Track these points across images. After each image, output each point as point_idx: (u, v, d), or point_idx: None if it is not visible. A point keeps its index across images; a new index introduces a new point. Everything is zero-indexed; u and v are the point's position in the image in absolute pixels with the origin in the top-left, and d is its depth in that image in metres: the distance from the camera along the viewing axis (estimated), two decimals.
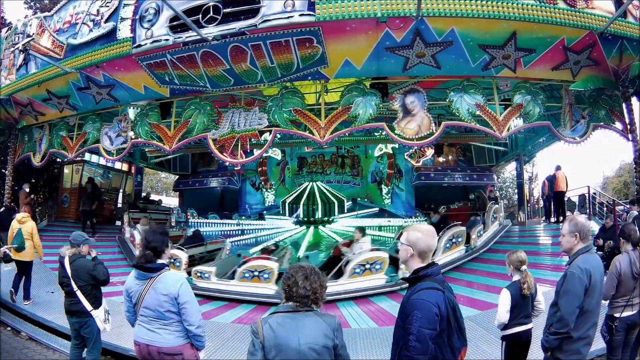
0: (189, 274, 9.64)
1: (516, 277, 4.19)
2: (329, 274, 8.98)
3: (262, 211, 20.30)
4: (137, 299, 3.43)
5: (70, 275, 5.09)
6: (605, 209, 12.97)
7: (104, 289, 8.93)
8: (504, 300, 4.09)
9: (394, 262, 9.35)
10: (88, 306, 5.07)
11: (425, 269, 2.56)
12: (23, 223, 8.43)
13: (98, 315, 5.14)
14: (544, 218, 16.05)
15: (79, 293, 5.06)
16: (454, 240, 10.42)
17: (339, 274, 9.16)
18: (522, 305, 4.09)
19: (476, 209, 13.45)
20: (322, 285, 2.55)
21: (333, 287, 8.61)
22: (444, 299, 2.42)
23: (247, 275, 8.95)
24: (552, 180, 13.58)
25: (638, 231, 4.56)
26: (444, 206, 15.71)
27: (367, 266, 8.96)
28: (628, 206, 10.71)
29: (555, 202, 13.69)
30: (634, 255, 4.33)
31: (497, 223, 12.94)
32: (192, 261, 11.26)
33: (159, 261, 3.52)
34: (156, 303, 3.34)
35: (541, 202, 17.23)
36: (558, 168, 13.57)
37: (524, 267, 4.17)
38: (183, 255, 10.18)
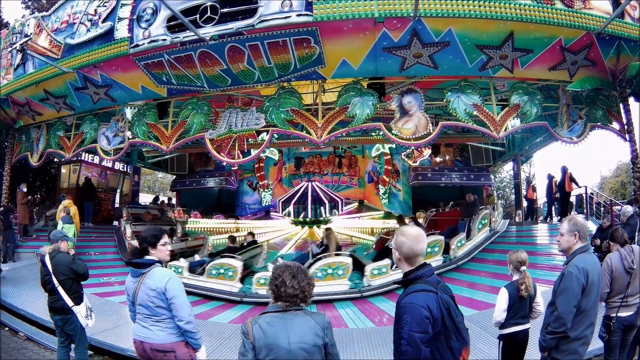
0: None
1: (516, 277, 4.19)
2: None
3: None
4: (133, 297, 3.45)
5: (51, 271, 5.24)
6: (602, 209, 13.02)
7: (102, 289, 9.04)
8: (502, 299, 4.09)
9: (361, 268, 9.41)
10: (69, 302, 5.18)
11: (415, 272, 2.52)
12: (70, 206, 11.33)
13: (79, 311, 5.24)
14: (542, 218, 16.12)
15: (60, 289, 5.19)
16: (428, 249, 9.73)
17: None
18: (520, 306, 4.08)
19: (465, 214, 12.61)
20: (309, 283, 2.55)
21: None
22: (435, 300, 2.38)
23: (213, 272, 9.33)
24: (561, 180, 13.56)
25: (633, 230, 4.60)
26: (433, 209, 15.59)
27: (330, 271, 8.93)
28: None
29: (562, 202, 13.74)
30: (625, 252, 4.36)
31: (486, 230, 11.95)
32: (173, 256, 11.31)
33: (149, 257, 3.50)
34: (147, 299, 3.35)
35: (539, 202, 17.34)
36: (565, 169, 13.54)
37: (523, 268, 4.16)
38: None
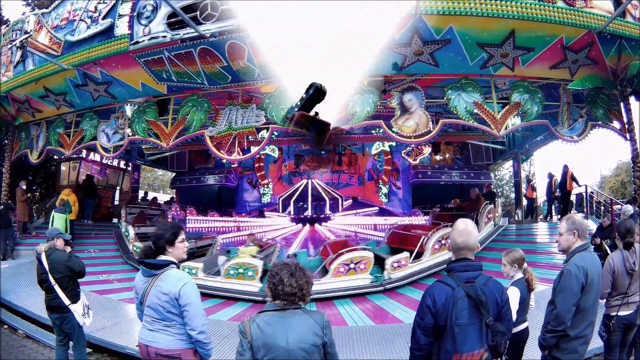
0: None
1: (519, 276, 4.16)
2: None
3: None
4: (142, 297, 3.28)
5: (47, 269, 5.17)
6: (602, 208, 13.01)
7: (101, 287, 9.02)
8: (514, 298, 3.96)
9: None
10: (66, 300, 5.11)
11: (451, 264, 2.63)
12: (69, 195, 12.59)
13: (76, 309, 5.17)
14: (542, 217, 16.10)
15: (56, 287, 5.12)
16: (352, 266, 8.77)
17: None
18: (526, 303, 4.08)
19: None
20: (308, 281, 2.51)
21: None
22: (445, 294, 2.45)
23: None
24: (562, 179, 13.53)
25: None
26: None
27: (241, 270, 8.79)
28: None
29: (563, 201, 13.72)
30: (627, 252, 4.32)
31: (444, 252, 9.65)
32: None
33: (163, 257, 3.31)
34: (158, 303, 3.16)
35: (539, 201, 17.32)
36: (566, 168, 13.53)
37: (525, 265, 4.18)
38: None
